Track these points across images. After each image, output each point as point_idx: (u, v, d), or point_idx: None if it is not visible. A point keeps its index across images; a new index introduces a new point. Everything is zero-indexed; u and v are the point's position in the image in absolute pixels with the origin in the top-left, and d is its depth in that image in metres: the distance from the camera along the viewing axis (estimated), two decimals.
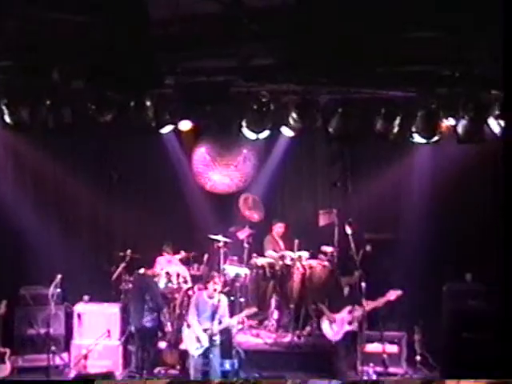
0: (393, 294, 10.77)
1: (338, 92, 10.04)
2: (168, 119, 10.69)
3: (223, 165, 13.06)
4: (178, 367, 11.35)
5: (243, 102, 10.10)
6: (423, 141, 10.20)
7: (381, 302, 10.72)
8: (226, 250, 12.58)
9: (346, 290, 10.90)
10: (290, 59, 9.36)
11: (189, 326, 10.50)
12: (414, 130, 10.05)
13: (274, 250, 12.59)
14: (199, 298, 10.54)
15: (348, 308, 10.74)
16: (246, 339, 11.96)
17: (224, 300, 10.56)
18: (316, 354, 11.56)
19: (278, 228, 12.72)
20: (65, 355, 11.45)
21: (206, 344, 10.22)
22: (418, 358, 11.44)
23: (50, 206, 12.72)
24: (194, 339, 10.30)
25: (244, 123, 10.23)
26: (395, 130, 10.01)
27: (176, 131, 11.85)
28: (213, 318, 10.21)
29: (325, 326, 10.88)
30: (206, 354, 10.26)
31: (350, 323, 10.71)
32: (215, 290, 10.33)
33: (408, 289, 11.10)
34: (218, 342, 10.26)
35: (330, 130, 10.10)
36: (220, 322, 10.29)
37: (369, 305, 10.67)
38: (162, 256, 12.44)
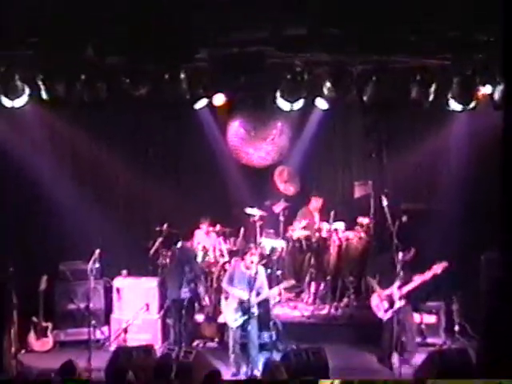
0: (440, 267, 10.39)
1: (372, 61, 9.97)
2: (202, 93, 10.74)
3: (258, 138, 13.05)
4: (217, 340, 11.46)
5: (277, 73, 10.10)
6: (459, 108, 10.11)
7: (428, 275, 10.41)
8: (262, 223, 12.56)
9: (399, 266, 10.43)
10: (323, 29, 9.34)
11: (226, 297, 10.56)
12: (449, 97, 9.96)
13: (307, 223, 12.55)
14: (236, 268, 10.52)
15: (397, 284, 10.37)
16: (284, 312, 12.02)
17: (262, 271, 10.49)
18: (353, 326, 11.60)
19: (315, 202, 12.66)
20: (105, 329, 11.61)
21: (244, 315, 10.24)
22: (457, 328, 11.41)
23: (88, 182, 12.82)
24: (232, 310, 10.31)
25: (278, 94, 10.23)
26: (431, 97, 9.94)
27: (210, 106, 11.89)
28: (250, 289, 10.19)
29: (374, 302, 10.63)
30: (244, 326, 10.26)
31: (400, 299, 10.38)
32: (252, 262, 10.31)
33: (445, 259, 11.02)
34: (256, 313, 10.24)
35: (365, 99, 10.06)
36: (258, 294, 10.29)
37: (417, 279, 10.41)
38: (199, 230, 12.49)
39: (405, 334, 10.45)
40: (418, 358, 10.28)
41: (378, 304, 10.54)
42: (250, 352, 10.14)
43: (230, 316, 10.33)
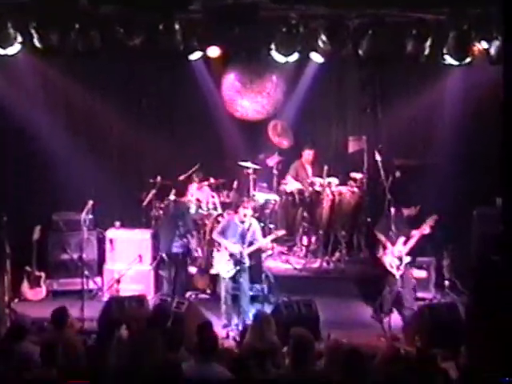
0: (432, 220, 10.43)
1: (368, 15, 9.87)
2: (196, 45, 10.62)
3: (253, 91, 12.92)
4: (209, 291, 11.54)
5: (272, 25, 10.00)
6: (455, 63, 10.05)
7: (426, 229, 10.42)
8: (256, 176, 12.56)
9: (404, 223, 10.54)
10: None
11: (218, 250, 10.63)
12: (445, 51, 9.90)
13: (300, 176, 12.57)
14: (230, 221, 10.53)
15: (402, 239, 10.44)
16: (276, 265, 12.10)
17: (255, 223, 10.54)
18: (345, 280, 11.69)
19: (307, 155, 12.64)
20: (98, 279, 11.66)
21: (236, 266, 10.29)
22: (447, 283, 11.51)
23: (81, 132, 12.74)
24: (225, 262, 10.36)
25: (273, 46, 10.14)
26: (426, 51, 9.86)
27: (205, 58, 11.80)
28: (243, 241, 10.26)
29: (388, 260, 10.47)
30: (235, 278, 10.34)
31: (406, 255, 10.41)
32: (245, 215, 10.35)
33: (437, 214, 11.07)
34: (247, 264, 10.32)
35: (360, 53, 9.98)
36: (250, 245, 10.37)
37: (417, 234, 10.42)
38: (192, 183, 12.49)
39: (405, 291, 10.52)
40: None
41: (391, 261, 10.45)
42: (241, 303, 10.23)
43: (223, 267, 10.38)
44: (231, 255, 10.25)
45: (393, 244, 10.46)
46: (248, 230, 10.30)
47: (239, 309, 10.19)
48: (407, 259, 10.39)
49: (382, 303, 10.62)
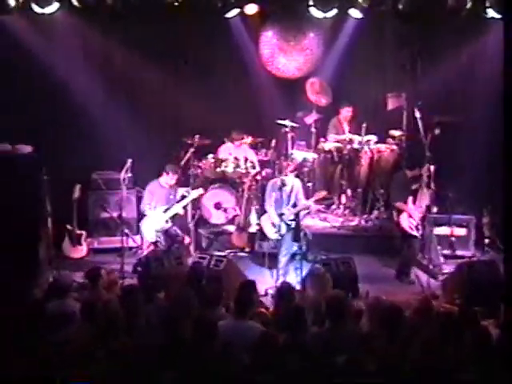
0: (427, 168, 10.46)
1: None
2: (234, 2, 10.55)
3: (290, 49, 12.77)
4: (247, 250, 11.61)
5: None
6: (498, 16, 9.84)
7: (432, 184, 10.45)
8: (294, 135, 12.51)
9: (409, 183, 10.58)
10: None
11: (265, 211, 10.75)
12: (488, 4, 9.69)
13: (338, 134, 12.48)
14: (274, 185, 10.56)
15: (411, 199, 10.43)
16: (314, 223, 12.10)
17: (298, 184, 10.62)
18: (383, 237, 11.65)
19: (346, 112, 12.51)
20: (137, 238, 11.75)
21: (282, 229, 10.32)
22: (486, 241, 11.44)
23: (119, 92, 12.71)
24: (270, 225, 10.47)
25: (311, 2, 10.03)
26: (468, 4, 9.67)
27: (242, 15, 11.72)
28: (288, 202, 10.34)
29: (405, 222, 10.46)
30: (279, 238, 10.37)
31: (423, 213, 10.47)
32: (287, 175, 10.44)
33: (477, 172, 10.96)
34: (292, 225, 10.32)
35: (400, 7, 9.83)
36: (294, 206, 10.40)
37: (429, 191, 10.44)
38: (231, 142, 12.49)
39: (430, 249, 10.58)
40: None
41: (409, 223, 10.44)
42: (283, 261, 10.29)
43: (269, 229, 10.52)
44: (279, 215, 10.32)
45: (407, 205, 10.44)
46: (291, 191, 10.39)
47: (281, 266, 10.24)
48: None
49: (403, 263, 10.64)
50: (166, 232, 11.10)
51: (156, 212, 11.06)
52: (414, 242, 10.55)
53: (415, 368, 5.51)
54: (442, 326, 6.20)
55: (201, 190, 11.48)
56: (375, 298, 7.25)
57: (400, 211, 10.50)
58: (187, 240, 11.34)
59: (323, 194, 10.95)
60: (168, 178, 11.20)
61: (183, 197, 11.33)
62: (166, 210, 11.04)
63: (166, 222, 11.06)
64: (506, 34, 5.86)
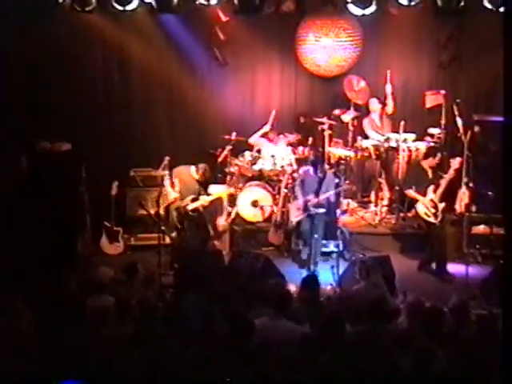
0: (457, 162, 10.57)
1: None
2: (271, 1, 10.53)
3: (329, 46, 12.73)
4: (283, 247, 11.59)
5: None
6: None
7: (451, 172, 10.51)
8: (331, 132, 12.47)
9: (430, 172, 10.67)
10: None
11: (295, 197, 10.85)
12: None
13: (373, 130, 12.40)
14: (306, 174, 10.67)
15: (431, 188, 10.55)
16: (351, 221, 12.03)
17: (330, 176, 10.68)
18: (420, 236, 11.53)
19: (373, 104, 12.39)
20: (174, 235, 11.78)
21: (303, 212, 10.44)
22: None
23: (156, 90, 12.81)
24: (295, 209, 10.61)
25: None
26: None
27: (279, 11, 11.71)
28: (317, 192, 10.41)
29: (422, 211, 10.62)
30: (311, 229, 10.45)
31: (440, 202, 10.52)
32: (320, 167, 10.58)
33: None
34: (318, 211, 10.37)
35: (439, 4, 9.73)
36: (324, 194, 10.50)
37: (445, 180, 10.49)
38: (268, 139, 12.47)
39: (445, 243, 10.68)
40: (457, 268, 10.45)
41: (426, 211, 10.56)
42: (315, 252, 10.37)
43: (293, 213, 10.68)
44: (304, 202, 10.40)
45: (423, 195, 10.54)
46: (323, 179, 10.47)
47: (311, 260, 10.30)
48: (442, 205, 10.46)
49: (428, 255, 10.72)
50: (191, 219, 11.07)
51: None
52: (435, 229, 10.59)
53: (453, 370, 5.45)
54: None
55: (231, 189, 11.49)
56: (416, 298, 7.16)
57: (414, 202, 10.70)
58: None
59: (349, 186, 11.16)
60: (197, 175, 11.15)
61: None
62: (193, 200, 10.98)
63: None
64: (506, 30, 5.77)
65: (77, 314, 6.42)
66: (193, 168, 11.15)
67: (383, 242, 11.51)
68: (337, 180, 11.31)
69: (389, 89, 12.30)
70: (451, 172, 10.51)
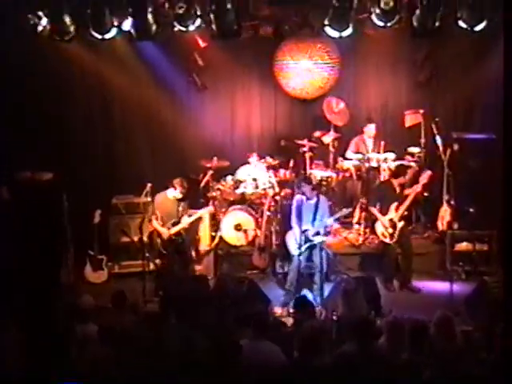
0: (425, 177, 10.69)
1: None
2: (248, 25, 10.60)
3: (307, 69, 12.82)
4: (268, 270, 11.56)
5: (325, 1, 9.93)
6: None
7: (418, 187, 10.65)
8: (312, 154, 12.53)
9: (398, 190, 10.76)
10: None
11: (285, 231, 10.80)
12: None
13: (359, 152, 12.39)
14: (299, 202, 10.42)
15: (394, 205, 10.63)
16: (334, 241, 12.03)
17: (323, 200, 10.51)
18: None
19: (369, 129, 12.37)
20: (158, 261, 11.72)
21: (304, 244, 10.18)
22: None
23: (136, 117, 12.85)
24: (293, 240, 10.36)
25: (327, 22, 10.05)
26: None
27: (257, 36, 11.80)
28: (314, 218, 10.24)
29: (379, 230, 10.77)
30: (307, 255, 10.28)
31: (399, 220, 10.61)
32: (313, 190, 10.37)
33: (498, 187, 10.82)
34: (315, 241, 10.20)
35: (415, 24, 9.83)
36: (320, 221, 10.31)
37: (410, 196, 10.59)
38: (248, 163, 12.49)
39: (405, 259, 10.78)
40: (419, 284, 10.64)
41: (383, 231, 10.69)
42: (316, 280, 10.17)
43: (292, 245, 10.46)
44: (302, 232, 10.18)
45: (384, 214, 10.67)
46: (317, 206, 10.29)
47: (314, 286, 10.18)
48: (400, 224, 10.57)
49: (385, 274, 10.80)
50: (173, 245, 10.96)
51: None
52: (388, 250, 10.76)
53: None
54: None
55: (211, 208, 11.47)
56: (394, 317, 7.15)
57: (375, 220, 10.85)
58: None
59: (347, 211, 10.83)
60: (176, 192, 10.99)
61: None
62: (174, 224, 10.90)
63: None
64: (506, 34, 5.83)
65: (63, 342, 6.39)
66: (169, 190, 10.87)
67: (367, 262, 11.50)
68: (330, 202, 11.31)
69: None
70: (419, 186, 10.64)
